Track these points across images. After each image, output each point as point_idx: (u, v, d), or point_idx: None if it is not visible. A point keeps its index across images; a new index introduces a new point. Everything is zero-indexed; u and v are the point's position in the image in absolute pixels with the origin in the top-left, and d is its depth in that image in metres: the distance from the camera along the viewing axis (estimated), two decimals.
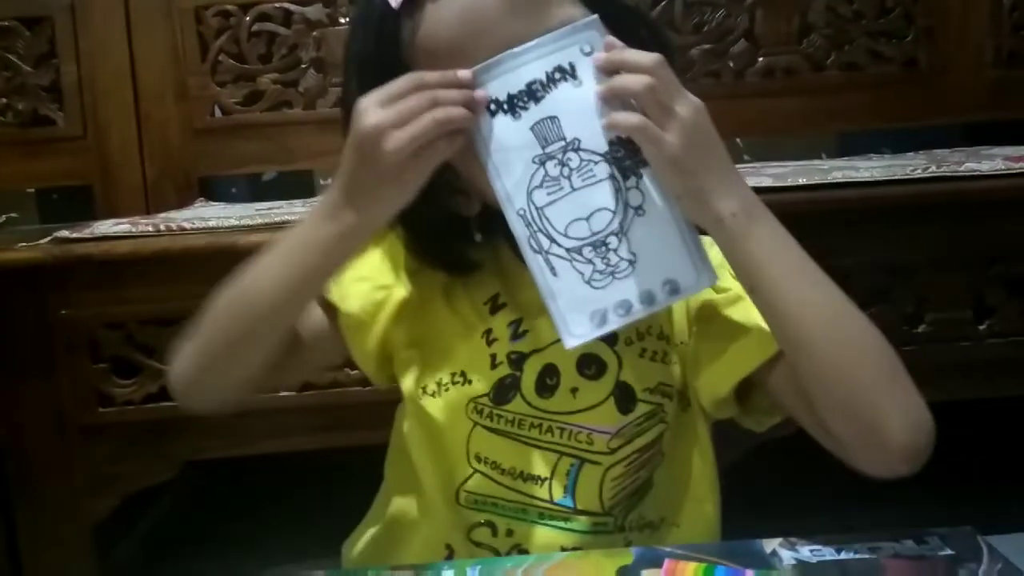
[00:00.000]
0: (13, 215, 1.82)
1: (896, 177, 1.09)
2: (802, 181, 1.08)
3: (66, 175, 1.58)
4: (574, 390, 0.68)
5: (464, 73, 0.58)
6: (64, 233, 1.13)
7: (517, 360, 0.69)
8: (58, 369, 1.12)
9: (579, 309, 0.60)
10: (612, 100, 0.58)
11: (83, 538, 1.15)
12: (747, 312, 0.66)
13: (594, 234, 0.59)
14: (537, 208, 0.59)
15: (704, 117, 0.58)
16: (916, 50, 1.55)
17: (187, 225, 1.12)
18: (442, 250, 0.69)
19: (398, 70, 0.62)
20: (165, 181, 1.56)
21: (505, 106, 0.59)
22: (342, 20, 1.54)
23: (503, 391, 0.69)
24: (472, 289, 0.71)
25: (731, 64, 1.56)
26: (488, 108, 0.59)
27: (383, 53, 0.63)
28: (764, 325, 0.64)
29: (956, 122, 1.65)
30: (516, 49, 0.59)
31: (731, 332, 0.67)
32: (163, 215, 1.28)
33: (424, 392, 0.70)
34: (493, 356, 0.69)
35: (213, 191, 1.63)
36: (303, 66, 1.54)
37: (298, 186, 1.70)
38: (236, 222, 1.12)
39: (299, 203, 1.34)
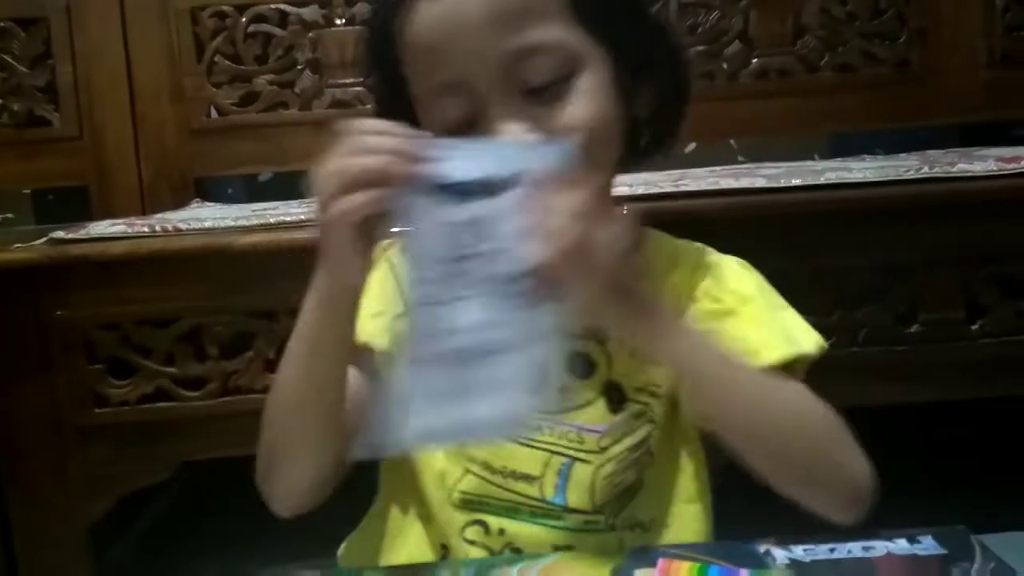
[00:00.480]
0: (9, 216, 1.82)
1: (889, 178, 1.09)
2: (796, 182, 1.08)
3: (62, 176, 1.58)
4: (563, 389, 0.69)
5: (415, 135, 0.57)
6: (60, 234, 1.13)
7: None
8: (54, 370, 1.11)
9: (425, 410, 0.56)
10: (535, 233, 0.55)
11: (79, 539, 1.15)
12: (736, 328, 0.68)
13: (475, 346, 0.55)
14: (433, 302, 0.56)
15: (615, 263, 0.56)
16: (909, 51, 1.56)
17: (183, 226, 1.12)
18: None
19: (391, 61, 0.65)
20: (161, 182, 1.56)
21: (449, 190, 0.56)
22: (338, 21, 1.54)
23: None
24: None
25: (725, 65, 1.56)
26: (433, 185, 0.56)
27: (380, 42, 0.66)
28: (749, 342, 0.66)
29: (949, 123, 1.66)
30: (484, 141, 0.58)
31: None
32: (159, 216, 1.28)
33: None
34: None
35: (209, 192, 1.63)
36: (299, 67, 1.55)
37: (294, 187, 1.68)
38: (232, 223, 1.12)
39: (295, 204, 1.33)
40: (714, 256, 0.74)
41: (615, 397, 0.69)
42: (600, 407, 0.69)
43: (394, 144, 0.56)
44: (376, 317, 0.69)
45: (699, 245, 0.76)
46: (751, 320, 0.69)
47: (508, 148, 0.57)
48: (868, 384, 1.10)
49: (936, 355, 1.11)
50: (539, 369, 0.55)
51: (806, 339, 0.68)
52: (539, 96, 0.64)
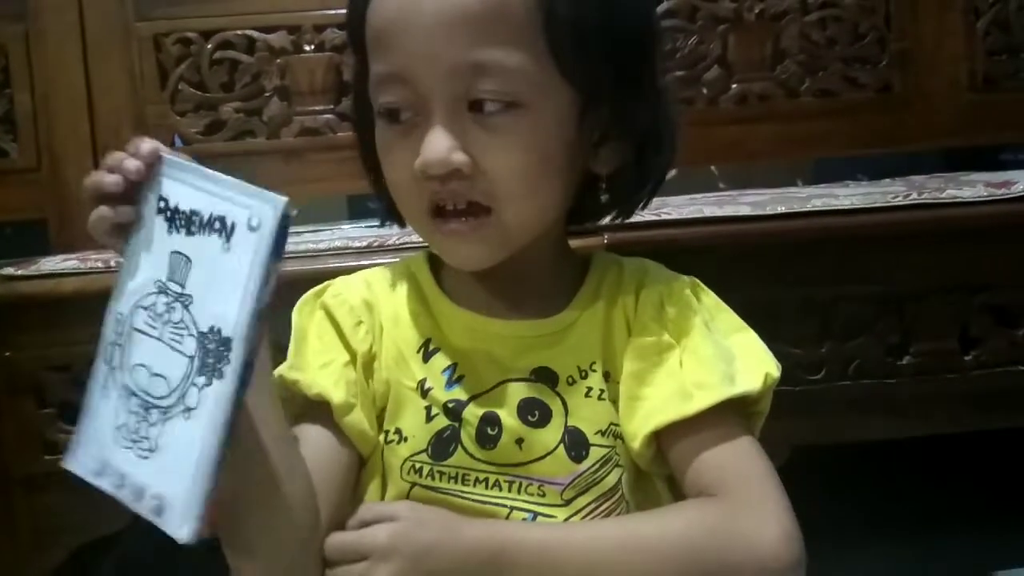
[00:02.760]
0: None
1: (877, 204, 1.06)
2: (781, 209, 1.05)
3: (20, 209, 1.52)
4: (519, 441, 0.64)
5: (147, 145, 0.55)
6: (9, 270, 1.07)
7: (455, 409, 0.64)
8: (1, 415, 1.05)
9: (97, 442, 0.54)
10: None
11: None
12: (674, 364, 0.64)
13: (147, 394, 0.53)
14: (130, 327, 0.54)
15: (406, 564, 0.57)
16: (891, 76, 1.54)
17: None
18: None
19: (360, 48, 0.65)
20: None
21: (167, 212, 0.54)
22: (307, 48, 1.50)
23: (442, 445, 0.64)
24: (404, 335, 0.67)
25: (704, 91, 1.53)
26: (157, 200, 0.54)
27: (352, 28, 0.66)
28: (684, 383, 0.63)
29: (932, 148, 1.63)
30: (206, 171, 0.54)
31: (653, 380, 0.65)
32: None
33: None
34: (428, 408, 0.65)
35: None
36: (267, 95, 1.50)
37: None
38: None
39: None
40: (660, 277, 0.70)
41: (576, 444, 0.64)
42: (561, 456, 0.64)
43: (122, 163, 0.55)
44: (324, 368, 0.65)
45: (646, 263, 0.72)
46: (691, 354, 0.65)
47: (220, 186, 0.53)
48: (860, 419, 1.06)
49: (930, 387, 1.07)
50: (191, 452, 0.50)
51: (749, 375, 0.65)
52: (481, 115, 0.61)
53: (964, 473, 1.44)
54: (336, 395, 0.64)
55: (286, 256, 1.05)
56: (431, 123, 0.61)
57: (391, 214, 0.71)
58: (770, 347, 0.98)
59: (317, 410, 0.64)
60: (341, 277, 0.72)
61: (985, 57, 1.53)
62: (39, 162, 1.50)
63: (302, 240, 1.13)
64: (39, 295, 1.03)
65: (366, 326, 0.67)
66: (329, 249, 1.06)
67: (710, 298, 0.70)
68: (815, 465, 1.08)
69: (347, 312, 0.68)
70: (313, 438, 0.64)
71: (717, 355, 0.65)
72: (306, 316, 0.69)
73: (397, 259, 0.75)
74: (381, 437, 0.66)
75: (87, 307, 1.03)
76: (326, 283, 0.71)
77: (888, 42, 1.53)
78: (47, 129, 1.49)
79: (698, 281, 0.71)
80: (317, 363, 0.65)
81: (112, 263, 1.08)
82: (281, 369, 0.66)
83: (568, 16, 0.62)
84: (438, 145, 0.60)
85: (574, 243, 0.75)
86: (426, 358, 0.66)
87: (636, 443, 0.64)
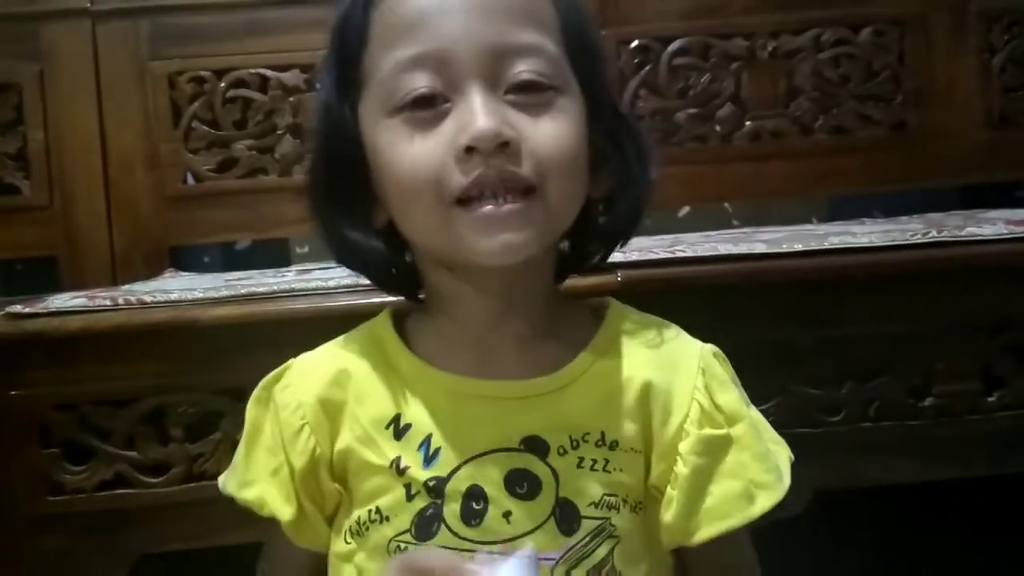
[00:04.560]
0: None
1: (896, 242, 1.04)
2: (799, 247, 1.03)
3: (31, 246, 1.53)
4: (507, 514, 0.61)
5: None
6: (16, 308, 1.06)
7: (436, 487, 0.61)
8: (6, 455, 1.03)
9: None
10: None
11: None
12: (736, 461, 0.62)
13: None
14: None
15: None
16: (905, 113, 1.53)
17: (147, 298, 1.05)
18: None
19: (353, 55, 0.63)
20: (134, 251, 1.51)
21: None
22: (319, 86, 1.50)
23: (424, 525, 0.61)
24: (370, 413, 0.64)
25: (718, 128, 1.53)
26: None
27: (349, 29, 0.64)
28: (748, 484, 0.62)
29: (947, 185, 1.62)
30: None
31: (718, 478, 0.62)
32: (125, 287, 1.21)
33: (349, 533, 0.64)
34: (408, 487, 0.62)
35: (184, 261, 1.57)
36: (279, 132, 1.51)
37: (273, 255, 1.65)
38: (200, 294, 1.05)
39: (271, 272, 1.27)
40: (689, 349, 0.66)
41: (567, 517, 0.61)
42: (551, 531, 0.61)
43: None
44: (275, 475, 0.64)
45: (665, 327, 0.68)
46: (747, 449, 0.63)
47: None
48: (883, 461, 1.03)
49: (953, 429, 1.04)
50: None
51: (786, 465, 0.64)
52: (522, 96, 0.60)
53: (989, 516, 1.40)
54: (286, 512, 0.63)
55: (296, 294, 1.04)
56: (469, 101, 0.58)
57: (370, 266, 0.69)
58: (788, 388, 0.96)
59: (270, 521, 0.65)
60: (300, 359, 0.68)
61: (1001, 93, 1.52)
62: (51, 199, 1.50)
63: (312, 278, 1.12)
64: (44, 333, 1.02)
65: (311, 427, 0.64)
66: (340, 287, 1.05)
67: (730, 371, 0.67)
68: (837, 509, 1.05)
69: (291, 413, 0.64)
70: (275, 545, 0.65)
71: (766, 446, 0.64)
72: (261, 409, 0.67)
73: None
74: (363, 515, 0.63)
75: (94, 345, 1.03)
76: (283, 367, 0.68)
77: (903, 79, 1.53)
78: (59, 167, 1.50)
79: (719, 351, 0.68)
80: (268, 468, 0.64)
81: (120, 300, 1.07)
82: (229, 479, 0.67)
83: (577, 28, 0.64)
84: (488, 115, 0.57)
85: (586, 281, 0.73)
86: (398, 435, 0.63)
87: (694, 540, 0.62)
